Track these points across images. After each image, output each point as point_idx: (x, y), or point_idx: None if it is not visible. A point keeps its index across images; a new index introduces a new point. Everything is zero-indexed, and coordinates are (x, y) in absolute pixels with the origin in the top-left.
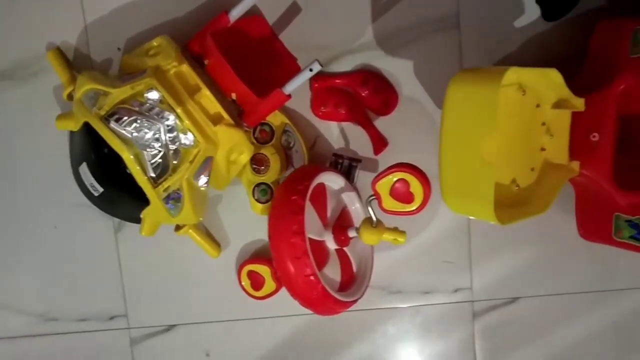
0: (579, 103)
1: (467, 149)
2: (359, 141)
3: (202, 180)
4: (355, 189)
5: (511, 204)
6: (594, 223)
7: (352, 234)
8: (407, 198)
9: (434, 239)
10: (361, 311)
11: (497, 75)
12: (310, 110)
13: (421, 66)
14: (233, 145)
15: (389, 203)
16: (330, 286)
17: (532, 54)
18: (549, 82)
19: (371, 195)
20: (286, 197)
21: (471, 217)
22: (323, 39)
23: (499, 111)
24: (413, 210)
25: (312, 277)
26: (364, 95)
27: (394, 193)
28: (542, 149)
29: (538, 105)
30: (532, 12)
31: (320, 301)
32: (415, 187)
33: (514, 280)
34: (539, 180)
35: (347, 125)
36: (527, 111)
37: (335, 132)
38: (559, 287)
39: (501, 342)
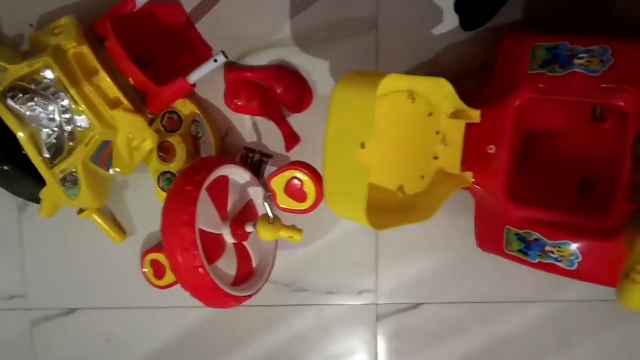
0: (475, 115)
1: (346, 153)
2: (272, 136)
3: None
4: (263, 184)
5: (396, 209)
6: (489, 234)
7: (249, 229)
8: (300, 196)
9: (342, 240)
10: (265, 307)
11: (375, 80)
12: (224, 102)
13: (337, 66)
14: (133, 131)
15: (284, 200)
16: (222, 279)
17: (448, 62)
18: (441, 91)
19: (267, 192)
20: (181, 187)
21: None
22: (241, 31)
23: (380, 117)
24: (305, 208)
25: (200, 269)
26: (278, 92)
27: (288, 190)
28: (435, 158)
29: (431, 114)
30: (450, 20)
31: (209, 293)
32: (308, 186)
33: (419, 286)
34: (429, 188)
35: (261, 120)
36: (419, 119)
37: (248, 126)
38: (463, 295)
39: (403, 346)
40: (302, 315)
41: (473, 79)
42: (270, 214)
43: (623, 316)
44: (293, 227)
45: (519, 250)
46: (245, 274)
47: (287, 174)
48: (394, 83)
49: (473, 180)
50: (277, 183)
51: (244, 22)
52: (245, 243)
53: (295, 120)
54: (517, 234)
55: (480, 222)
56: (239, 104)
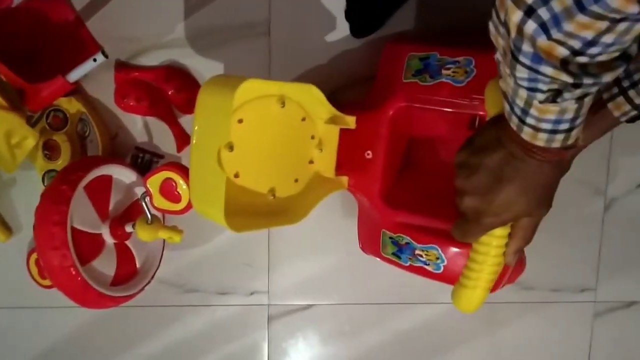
0: (350, 121)
1: (209, 155)
2: (163, 137)
3: None
4: None
5: (266, 212)
6: (368, 237)
7: (129, 229)
8: (175, 197)
9: (234, 240)
10: (157, 307)
11: (235, 84)
12: (114, 101)
13: (230, 69)
14: (10, 129)
15: (159, 201)
16: (98, 279)
17: (340, 69)
18: (312, 97)
19: (144, 192)
20: (56, 186)
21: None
22: (134, 31)
23: (250, 121)
24: (179, 210)
25: (71, 269)
26: (169, 93)
27: (163, 191)
28: (311, 162)
29: (304, 119)
30: (343, 28)
31: (81, 293)
32: (182, 187)
33: (311, 287)
34: (303, 191)
35: (153, 120)
36: (291, 124)
37: (140, 126)
38: (354, 296)
39: (294, 346)
40: (195, 316)
41: (364, 86)
42: (149, 215)
43: (499, 320)
44: (173, 228)
45: (393, 254)
46: (126, 274)
47: (162, 175)
48: (261, 87)
49: (348, 184)
50: (153, 184)
51: (138, 22)
52: (129, 243)
53: (187, 121)
54: (391, 238)
55: (362, 225)
56: (129, 103)
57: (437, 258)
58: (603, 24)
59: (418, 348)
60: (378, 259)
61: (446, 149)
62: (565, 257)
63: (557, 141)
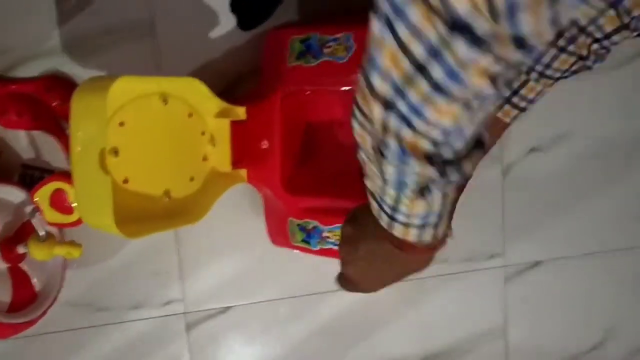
0: (240, 112)
1: (90, 162)
2: (52, 151)
3: None
4: None
5: (163, 215)
6: (276, 228)
7: (22, 249)
8: (67, 209)
9: (141, 249)
10: (66, 332)
11: (107, 85)
12: None
13: (118, 73)
14: None
15: (51, 214)
16: None
17: (231, 64)
18: (196, 91)
19: (33, 208)
20: None
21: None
22: (4, 41)
23: (132, 122)
24: (74, 221)
25: None
26: (53, 104)
27: (54, 204)
28: (205, 159)
29: (191, 115)
30: (228, 22)
31: None
32: (72, 197)
33: (226, 289)
34: (202, 189)
35: (39, 134)
36: (177, 121)
37: (24, 142)
38: (270, 293)
39: (217, 352)
40: (109, 335)
41: (254, 80)
42: (41, 231)
43: (419, 297)
44: (70, 243)
45: (302, 240)
46: (25, 299)
47: (50, 187)
48: (139, 86)
49: (247, 176)
50: (42, 197)
51: (8, 32)
52: (24, 266)
53: None
54: (298, 225)
55: (269, 217)
56: (10, 119)
57: None
58: (459, 108)
59: (346, 335)
60: (290, 250)
61: (343, 130)
62: (471, 227)
63: (428, 234)
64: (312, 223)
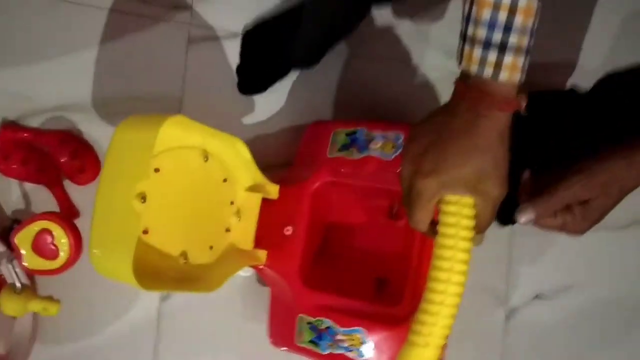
0: (273, 190)
1: (119, 199)
2: (45, 207)
3: None
4: None
5: (176, 278)
6: (282, 325)
7: None
8: (51, 253)
9: (119, 336)
10: None
11: (158, 122)
12: None
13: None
14: None
15: (32, 260)
16: None
17: (262, 153)
18: (236, 155)
19: (9, 254)
20: None
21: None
22: (30, 89)
23: (168, 172)
24: (58, 267)
25: None
26: (61, 160)
27: (36, 247)
28: (228, 230)
29: (226, 180)
30: (261, 110)
31: None
32: (60, 239)
33: None
34: (218, 261)
35: (34, 188)
36: (212, 183)
37: (17, 193)
38: None
39: None
40: None
41: (281, 171)
42: (18, 283)
43: None
44: (48, 298)
45: (310, 341)
46: None
47: (35, 227)
48: (184, 135)
49: (266, 260)
50: (23, 239)
51: (35, 80)
52: None
53: (76, 192)
54: (309, 323)
55: (274, 313)
56: (11, 165)
57: (362, 342)
58: None
59: None
60: (289, 352)
61: (363, 237)
62: None
63: (490, 64)
64: (326, 323)
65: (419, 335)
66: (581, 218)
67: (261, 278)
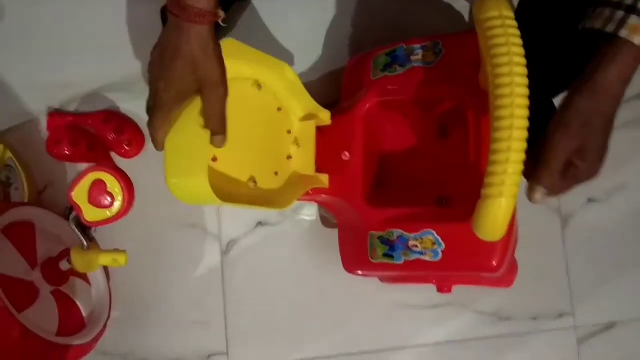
0: (326, 116)
1: (187, 127)
2: None
3: None
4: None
5: (249, 200)
6: (353, 248)
7: (65, 266)
8: (107, 203)
9: (184, 299)
10: None
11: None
12: (46, 149)
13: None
14: None
15: (91, 213)
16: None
17: None
18: (287, 83)
19: (70, 209)
20: None
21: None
22: (66, 77)
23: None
24: (116, 213)
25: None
26: (109, 138)
27: (93, 200)
28: (289, 157)
29: (280, 109)
30: None
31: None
32: (113, 185)
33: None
34: (286, 185)
35: None
36: (268, 112)
37: (72, 176)
38: (323, 350)
39: None
40: None
41: None
42: (84, 241)
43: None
44: (115, 251)
45: (384, 255)
46: (72, 325)
47: (88, 180)
48: (237, 66)
49: (329, 185)
50: (79, 195)
51: (70, 67)
52: (67, 291)
53: (125, 166)
54: (380, 237)
55: (344, 238)
56: (63, 150)
57: (434, 243)
58: None
59: None
60: (364, 277)
61: (418, 160)
62: (534, 283)
63: None
64: (397, 232)
65: (492, 187)
66: (586, 164)
67: (327, 212)
